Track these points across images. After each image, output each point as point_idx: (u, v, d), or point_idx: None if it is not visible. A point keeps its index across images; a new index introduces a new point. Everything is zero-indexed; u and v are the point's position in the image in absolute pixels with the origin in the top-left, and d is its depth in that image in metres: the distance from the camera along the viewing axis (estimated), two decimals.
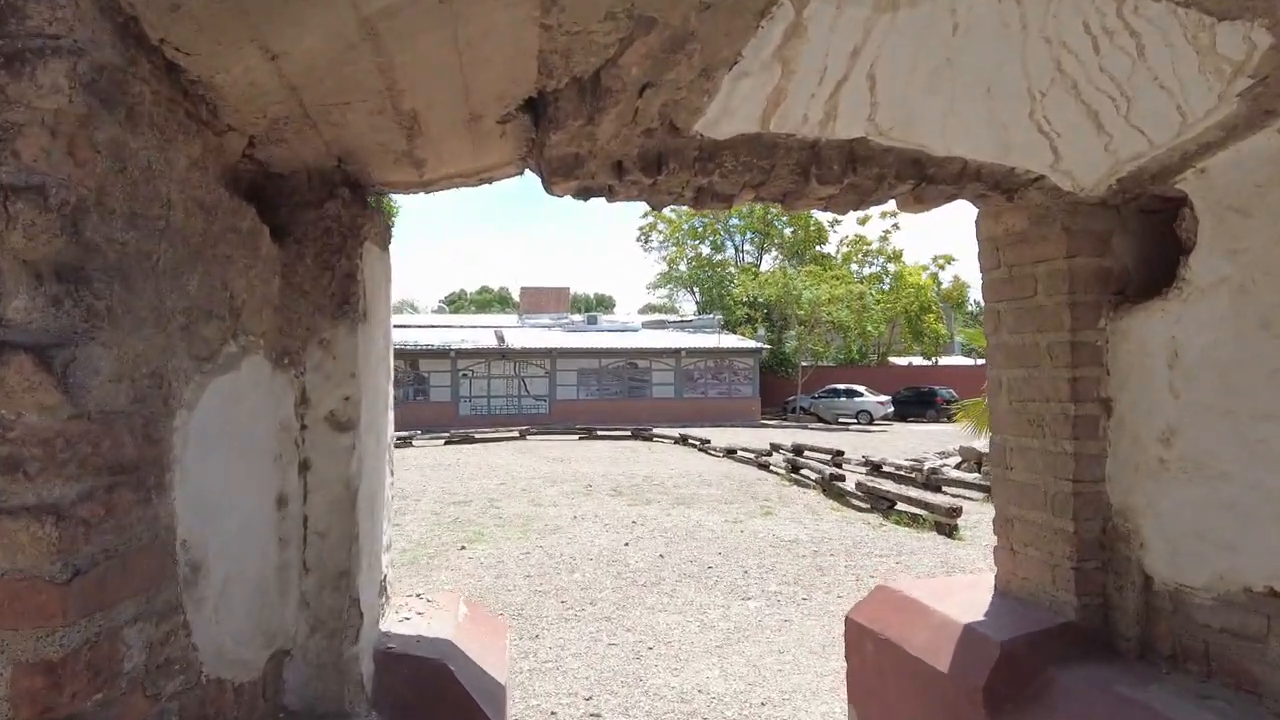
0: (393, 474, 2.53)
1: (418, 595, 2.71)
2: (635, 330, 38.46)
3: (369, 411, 2.17)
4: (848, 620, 3.05)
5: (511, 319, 43.18)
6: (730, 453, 18.33)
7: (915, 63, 1.85)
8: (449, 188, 2.50)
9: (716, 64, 1.85)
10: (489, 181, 2.52)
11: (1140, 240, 2.44)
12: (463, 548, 8.48)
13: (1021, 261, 2.61)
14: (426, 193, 2.50)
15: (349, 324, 2.07)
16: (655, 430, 24.60)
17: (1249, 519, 2.00)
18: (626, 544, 8.69)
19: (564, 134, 2.02)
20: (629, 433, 24.59)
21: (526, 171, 2.48)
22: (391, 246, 2.58)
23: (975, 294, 56.83)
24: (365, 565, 2.18)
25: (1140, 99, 1.88)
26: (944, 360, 44.80)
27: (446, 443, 22.51)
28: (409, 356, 30.44)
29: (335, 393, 2.05)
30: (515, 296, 55.92)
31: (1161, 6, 1.62)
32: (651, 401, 33.21)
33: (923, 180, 2.37)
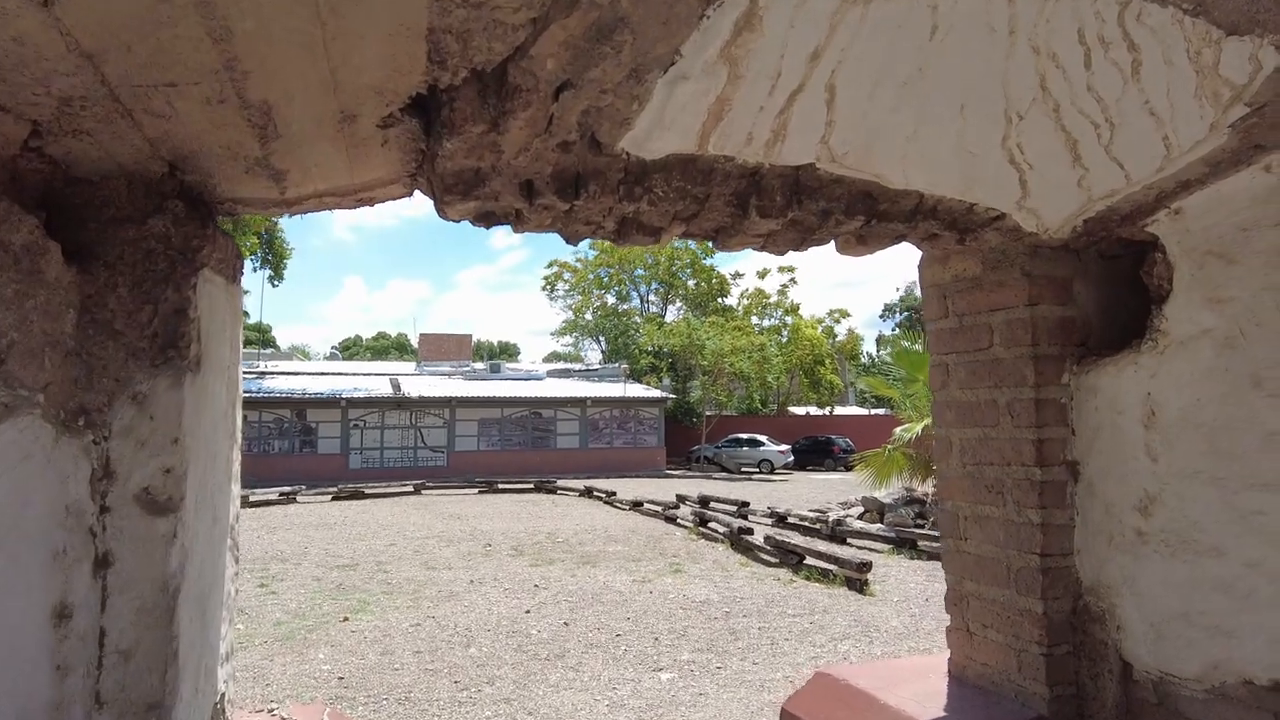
0: (237, 560, 2.03)
1: (269, 710, 2.18)
2: (540, 379, 37.82)
3: (201, 486, 1.69)
4: (784, 713, 2.68)
5: (409, 366, 41.76)
6: (637, 505, 17.91)
7: (883, 72, 1.57)
8: (320, 209, 2.07)
9: (650, 63, 1.52)
10: (370, 203, 2.11)
11: (1100, 288, 2.24)
12: (345, 619, 7.68)
13: (975, 310, 2.38)
14: (291, 214, 2.07)
15: (174, 374, 1.59)
16: (559, 482, 23.92)
17: (1248, 601, 1.76)
18: (528, 611, 8.09)
19: (460, 142, 1.64)
20: (532, 485, 23.80)
21: (416, 193, 2.08)
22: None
23: (869, 346, 59.05)
24: (189, 689, 1.67)
25: (1125, 126, 1.66)
26: (839, 410, 46.01)
27: (334, 498, 21.13)
28: (296, 406, 28.78)
29: (151, 464, 1.56)
30: (414, 343, 54.30)
31: (1167, 14, 1.39)
32: (556, 452, 32.52)
33: (873, 217, 2.10)
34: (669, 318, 43.89)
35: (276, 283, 30.04)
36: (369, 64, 1.43)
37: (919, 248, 2.55)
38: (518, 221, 2.04)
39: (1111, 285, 2.26)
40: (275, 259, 27.99)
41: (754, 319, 42.95)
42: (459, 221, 2.01)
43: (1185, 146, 1.69)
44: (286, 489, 20.51)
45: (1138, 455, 2.00)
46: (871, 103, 1.66)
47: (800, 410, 44.52)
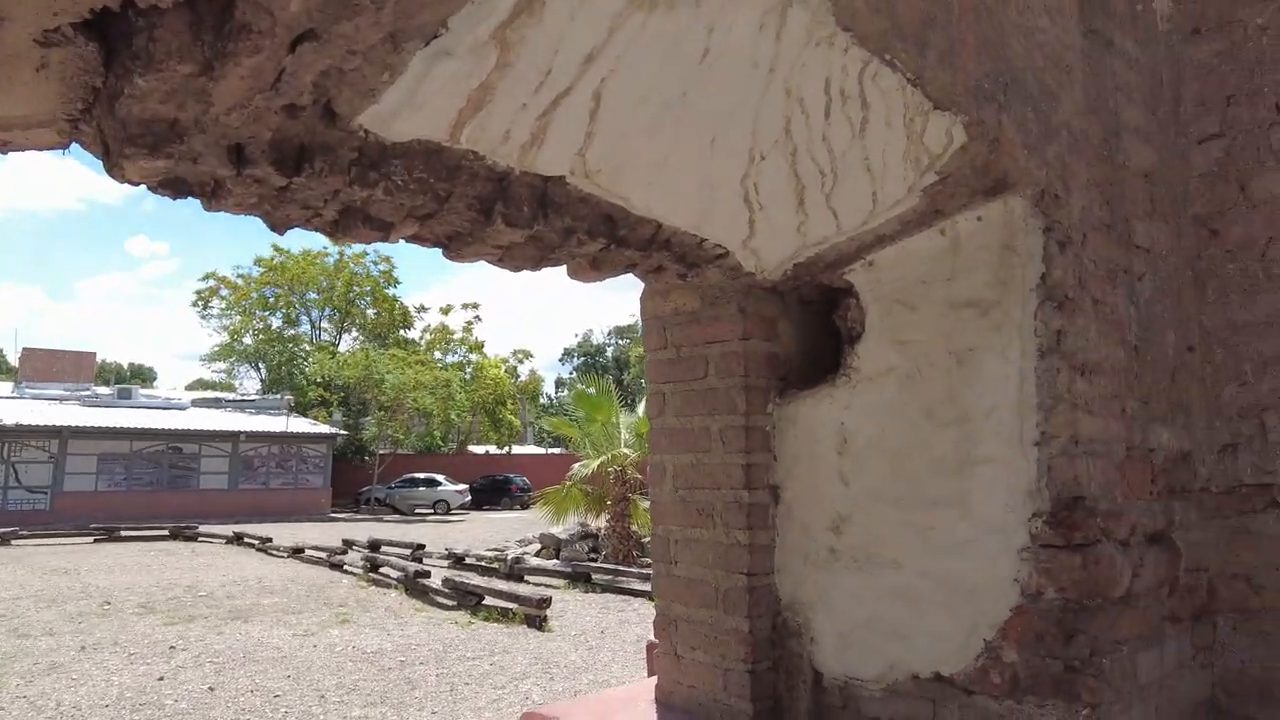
0: None
1: None
2: (183, 408, 33.06)
3: None
4: None
5: (5, 387, 34.05)
6: (297, 552, 16.28)
7: (651, 89, 1.57)
8: None
9: (411, 30, 1.36)
10: (3, 148, 1.62)
11: (798, 328, 2.47)
12: None
13: (692, 342, 2.49)
14: None
15: None
16: (203, 528, 20.92)
17: (919, 606, 2.01)
18: (161, 678, 6.84)
19: (158, 82, 1.32)
20: (167, 532, 20.51)
21: (76, 145, 1.65)
22: None
23: (548, 388, 60.81)
24: None
25: (845, 179, 1.85)
26: (517, 449, 46.62)
27: None
28: None
29: None
30: (14, 360, 44.46)
31: (895, 80, 1.58)
32: (198, 493, 28.54)
33: (613, 241, 2.10)
34: (343, 347, 41.21)
35: None
36: None
37: (643, 279, 2.62)
38: (215, 195, 1.70)
39: (806, 326, 2.50)
40: None
41: (437, 354, 42.04)
42: (138, 184, 1.62)
43: (888, 204, 1.93)
44: None
45: (832, 479, 2.21)
46: (633, 120, 1.65)
47: (479, 449, 44.26)
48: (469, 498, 33.18)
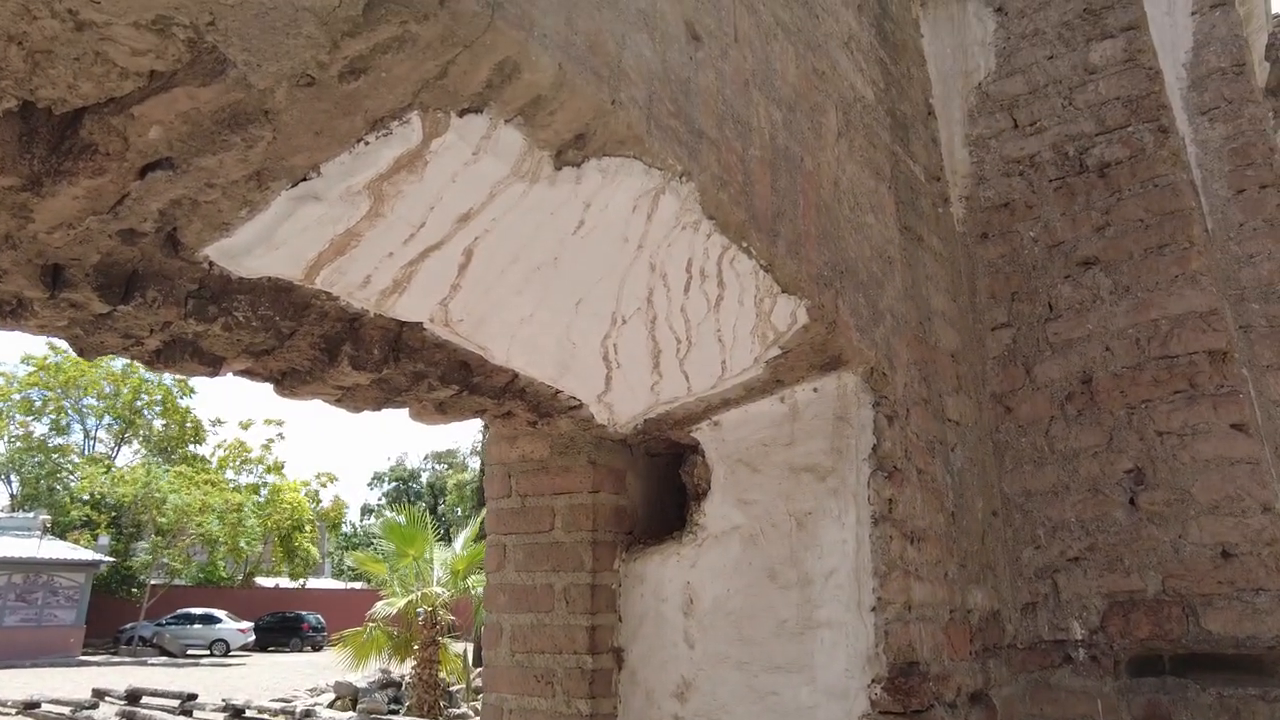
0: None
1: None
2: None
3: None
4: None
5: None
6: (31, 708, 13.63)
7: (522, 252, 1.59)
8: None
9: (280, 170, 1.30)
10: None
11: (645, 482, 2.48)
12: None
13: (539, 492, 2.42)
14: None
15: None
16: None
17: None
18: None
19: None
20: None
21: None
22: None
23: (353, 515, 56.58)
24: None
25: (699, 346, 1.93)
26: (313, 582, 42.54)
27: None
28: None
29: None
30: None
31: (750, 264, 1.69)
32: None
33: (465, 388, 2.05)
34: (121, 461, 36.63)
35: None
36: None
37: (490, 425, 2.55)
38: (15, 315, 1.50)
39: (652, 480, 2.52)
40: None
41: (229, 473, 38.23)
42: None
43: (735, 371, 2.02)
44: None
45: (677, 642, 2.16)
46: (502, 278, 1.65)
47: (269, 582, 39.99)
48: (253, 637, 29.62)
